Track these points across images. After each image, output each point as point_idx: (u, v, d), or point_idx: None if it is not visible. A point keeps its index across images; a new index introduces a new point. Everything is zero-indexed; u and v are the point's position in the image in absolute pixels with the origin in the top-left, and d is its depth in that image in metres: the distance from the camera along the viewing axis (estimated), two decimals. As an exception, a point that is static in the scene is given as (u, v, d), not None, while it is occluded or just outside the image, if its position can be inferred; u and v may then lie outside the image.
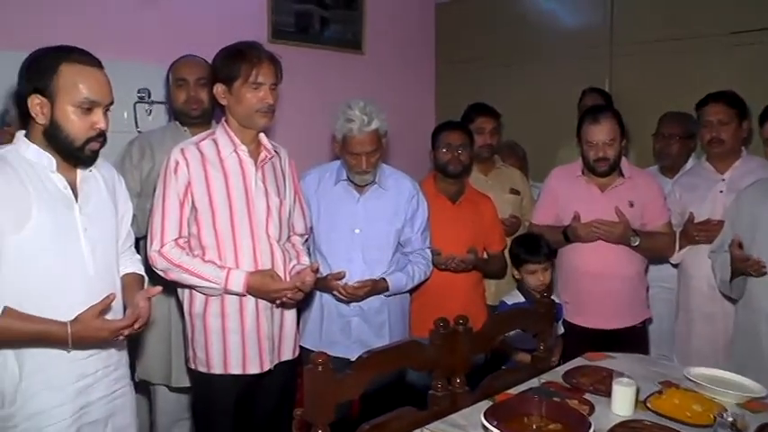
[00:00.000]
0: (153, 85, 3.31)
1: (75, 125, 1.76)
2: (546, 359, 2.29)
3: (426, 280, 2.79)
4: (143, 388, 2.84)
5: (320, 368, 1.62)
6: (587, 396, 1.97)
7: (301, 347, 2.54)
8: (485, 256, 3.02)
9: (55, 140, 1.77)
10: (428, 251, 2.80)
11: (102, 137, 1.82)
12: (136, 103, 3.35)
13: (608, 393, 1.92)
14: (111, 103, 1.84)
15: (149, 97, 3.38)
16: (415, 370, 1.99)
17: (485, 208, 3.05)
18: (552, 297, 2.47)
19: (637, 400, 1.88)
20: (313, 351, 2.31)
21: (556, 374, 2.17)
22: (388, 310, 2.68)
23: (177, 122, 2.86)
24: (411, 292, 2.80)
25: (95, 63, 1.81)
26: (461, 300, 2.82)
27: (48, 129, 1.77)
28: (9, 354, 1.75)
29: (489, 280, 3.18)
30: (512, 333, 2.52)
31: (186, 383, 2.69)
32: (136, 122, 3.34)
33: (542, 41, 4.38)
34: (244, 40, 2.31)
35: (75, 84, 1.75)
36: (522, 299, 2.83)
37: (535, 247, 2.86)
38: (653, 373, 2.17)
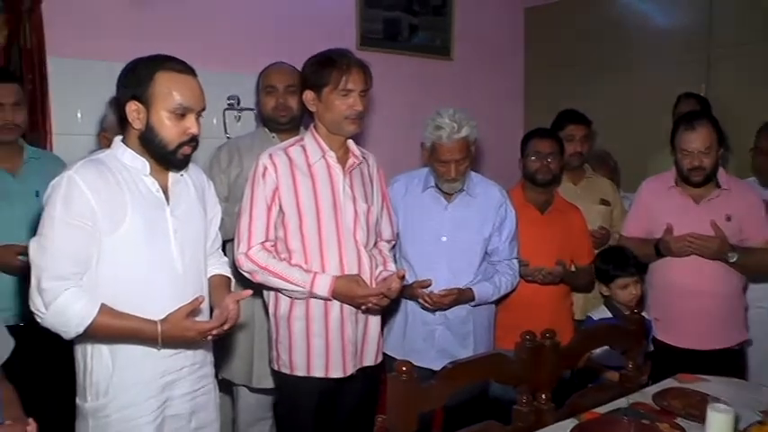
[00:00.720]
0: (242, 92, 3.38)
1: (169, 130, 1.82)
2: (635, 378, 2.20)
3: (513, 291, 2.74)
4: (225, 386, 2.90)
5: (404, 376, 1.61)
6: (679, 420, 1.88)
7: (384, 354, 2.53)
8: (572, 268, 2.94)
9: (150, 144, 1.84)
10: (515, 262, 2.75)
11: (194, 141, 1.88)
12: (225, 109, 3.44)
13: (702, 419, 1.81)
14: (204, 109, 1.89)
15: (238, 104, 3.47)
16: (500, 383, 1.95)
17: (574, 219, 2.98)
18: (642, 313, 2.38)
19: (735, 430, 1.76)
20: (395, 358, 2.31)
21: (645, 395, 2.08)
22: (473, 320, 2.64)
23: (265, 129, 2.90)
24: (497, 303, 2.76)
25: (189, 71, 1.86)
26: (548, 313, 2.76)
27: (143, 133, 1.83)
28: (104, 348, 1.83)
29: (576, 294, 3.09)
30: (599, 350, 2.45)
31: (267, 385, 2.73)
32: (225, 128, 3.42)
33: (636, 45, 4.22)
34: (332, 47, 2.33)
35: (169, 91, 1.80)
36: (608, 314, 2.74)
37: (624, 260, 2.77)
38: (752, 401, 2.03)
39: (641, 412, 1.92)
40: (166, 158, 1.86)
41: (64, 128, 3.04)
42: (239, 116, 3.49)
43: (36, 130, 2.89)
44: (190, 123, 1.84)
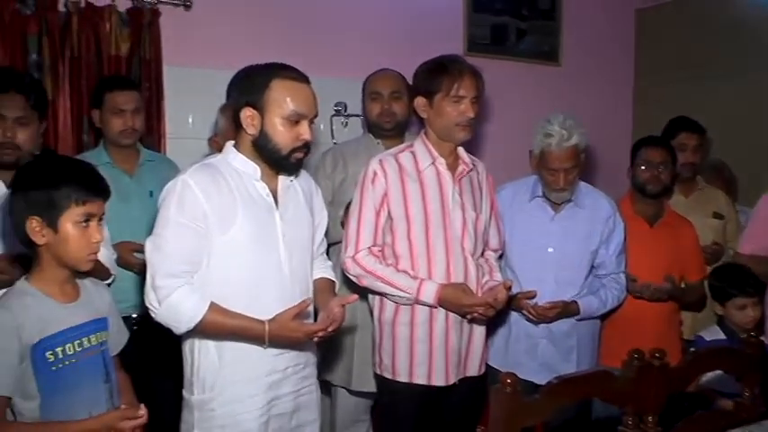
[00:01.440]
0: (349, 98, 3.42)
1: (283, 136, 1.87)
2: (752, 408, 2.06)
3: (619, 306, 2.66)
4: (325, 387, 2.94)
5: (508, 389, 1.58)
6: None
7: (487, 365, 2.49)
8: (682, 285, 2.82)
9: (263, 150, 1.89)
10: (622, 276, 2.66)
11: (306, 147, 1.92)
12: (332, 116, 3.49)
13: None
14: (316, 115, 1.94)
15: (345, 110, 3.51)
16: (605, 402, 1.89)
17: (685, 233, 2.85)
18: (761, 338, 2.25)
19: None
20: (498, 370, 2.28)
21: (765, 428, 1.94)
22: (577, 334, 2.58)
23: (371, 135, 2.93)
24: (602, 318, 2.68)
25: (303, 79, 1.91)
26: (654, 331, 2.66)
27: (257, 139, 1.88)
28: (210, 344, 1.89)
29: (685, 312, 2.97)
30: (710, 374, 2.33)
31: (366, 388, 2.75)
32: (332, 134, 3.48)
33: (756, 46, 3.96)
34: (439, 53, 2.33)
35: (284, 98, 1.85)
36: (722, 335, 2.63)
37: (743, 279, 2.65)
38: None
39: (760, 446, 1.82)
40: (279, 163, 1.91)
41: (177, 132, 3.19)
42: (346, 122, 3.54)
43: (151, 133, 3.05)
44: (303, 130, 1.88)
